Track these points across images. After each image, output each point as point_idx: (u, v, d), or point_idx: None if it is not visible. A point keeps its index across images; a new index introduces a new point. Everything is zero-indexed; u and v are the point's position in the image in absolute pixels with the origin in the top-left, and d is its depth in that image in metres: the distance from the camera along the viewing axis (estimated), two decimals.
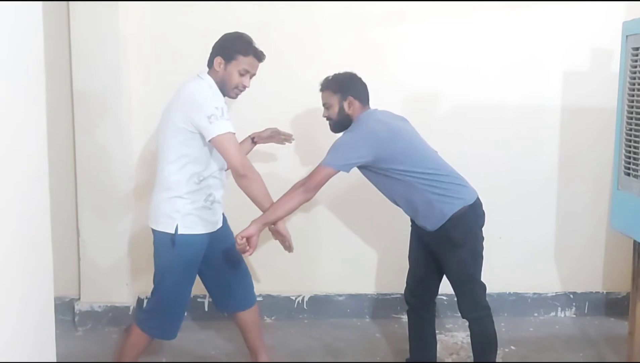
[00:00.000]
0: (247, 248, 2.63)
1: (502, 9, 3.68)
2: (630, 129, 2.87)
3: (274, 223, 2.74)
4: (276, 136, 3.24)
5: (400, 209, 2.92)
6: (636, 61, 2.83)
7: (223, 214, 2.91)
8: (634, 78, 2.85)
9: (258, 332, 3.07)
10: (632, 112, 2.87)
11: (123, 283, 3.69)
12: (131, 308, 3.69)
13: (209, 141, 2.59)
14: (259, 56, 2.76)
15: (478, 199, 2.81)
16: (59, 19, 3.47)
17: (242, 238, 2.62)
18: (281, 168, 3.67)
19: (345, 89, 2.85)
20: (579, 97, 3.79)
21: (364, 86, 2.92)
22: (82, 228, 3.65)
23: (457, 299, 2.87)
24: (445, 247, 2.77)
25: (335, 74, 2.91)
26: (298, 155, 3.73)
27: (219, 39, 2.79)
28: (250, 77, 2.77)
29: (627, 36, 2.90)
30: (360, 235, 3.86)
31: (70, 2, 3.45)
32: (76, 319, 3.67)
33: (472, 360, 2.98)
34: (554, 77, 3.78)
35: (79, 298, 3.72)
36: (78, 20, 3.46)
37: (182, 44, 3.62)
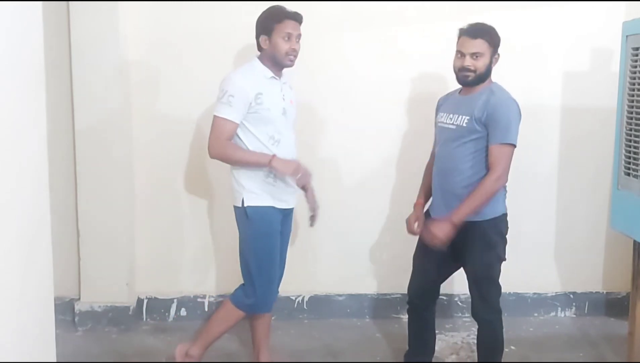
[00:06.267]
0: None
1: (502, 9, 3.67)
2: (630, 129, 2.87)
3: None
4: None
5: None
6: (636, 61, 2.84)
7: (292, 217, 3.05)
8: (634, 78, 2.85)
9: (266, 330, 3.12)
10: (632, 112, 2.87)
11: (123, 283, 3.68)
12: (131, 308, 3.69)
13: None
14: (294, 17, 2.87)
15: None
16: (59, 19, 3.47)
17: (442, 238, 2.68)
18: None
19: (497, 45, 2.78)
20: (579, 97, 3.79)
21: None
22: (82, 228, 3.64)
23: (474, 299, 2.87)
24: (478, 246, 2.78)
25: (485, 24, 2.78)
26: (297, 154, 3.72)
27: (256, 23, 2.90)
28: (297, 39, 2.87)
29: (627, 36, 2.90)
30: (361, 235, 3.85)
31: (70, 2, 3.45)
32: (76, 319, 3.67)
33: (473, 361, 2.98)
34: (554, 77, 3.78)
35: (79, 298, 3.71)
36: (78, 20, 3.46)
37: (183, 43, 3.62)
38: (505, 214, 2.83)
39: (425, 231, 2.78)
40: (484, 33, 2.75)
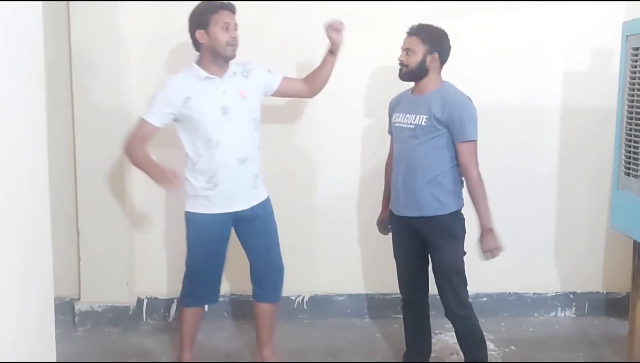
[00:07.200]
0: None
1: (502, 9, 3.68)
2: (630, 129, 2.87)
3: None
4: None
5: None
6: (636, 61, 2.84)
7: (268, 201, 3.02)
8: (634, 78, 2.85)
9: (270, 328, 3.13)
10: (632, 112, 2.87)
11: (123, 283, 3.68)
12: (131, 308, 3.69)
13: None
14: (229, 7, 2.88)
15: None
16: (59, 19, 3.47)
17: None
18: (285, 168, 3.68)
19: (435, 44, 2.85)
20: (579, 97, 3.79)
21: (450, 48, 2.92)
22: (82, 228, 3.64)
23: (447, 298, 2.88)
24: (444, 240, 2.84)
25: (428, 25, 2.90)
26: (297, 153, 3.73)
27: (189, 20, 2.90)
28: (235, 28, 2.86)
29: (627, 36, 2.90)
30: (360, 235, 3.85)
31: (70, 2, 3.45)
32: (76, 319, 3.67)
33: (467, 361, 2.99)
34: (554, 77, 3.78)
35: (79, 298, 3.71)
36: (78, 20, 3.46)
37: (183, 43, 3.61)
38: (461, 208, 2.91)
39: (483, 254, 2.84)
40: (419, 31, 2.87)
